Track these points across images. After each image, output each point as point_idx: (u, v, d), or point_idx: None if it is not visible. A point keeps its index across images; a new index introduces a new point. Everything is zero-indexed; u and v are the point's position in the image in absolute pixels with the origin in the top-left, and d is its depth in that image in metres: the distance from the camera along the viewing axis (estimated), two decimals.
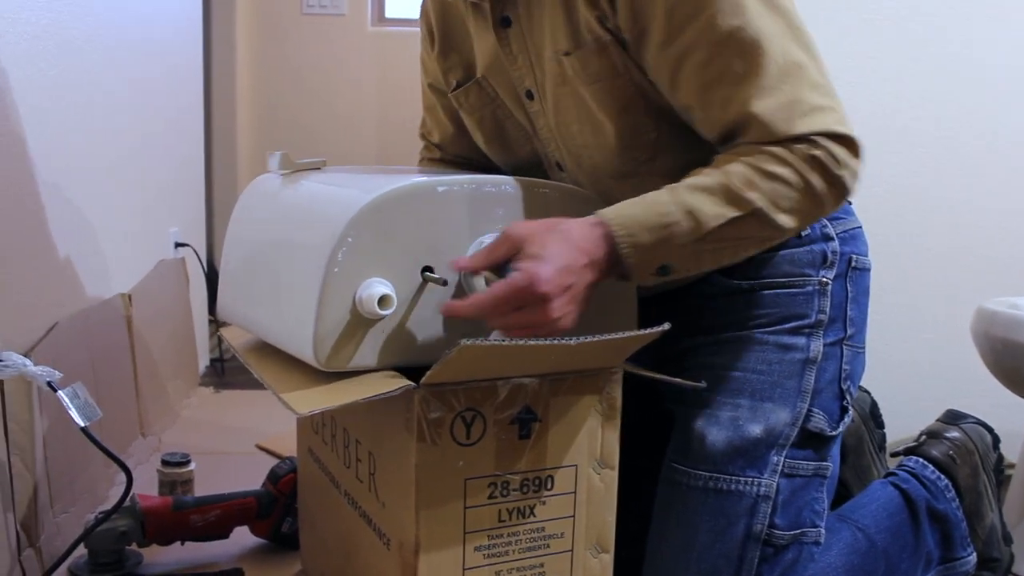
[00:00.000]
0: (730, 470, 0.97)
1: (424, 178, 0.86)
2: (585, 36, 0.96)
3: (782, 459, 0.99)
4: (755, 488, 0.97)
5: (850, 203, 1.09)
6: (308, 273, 0.84)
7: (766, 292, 1.03)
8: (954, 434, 1.26)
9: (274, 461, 1.67)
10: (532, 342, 0.75)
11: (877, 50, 1.68)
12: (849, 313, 1.05)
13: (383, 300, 0.81)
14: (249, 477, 1.39)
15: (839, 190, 0.91)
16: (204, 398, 2.11)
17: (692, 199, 0.88)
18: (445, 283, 0.83)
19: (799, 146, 0.88)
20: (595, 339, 0.77)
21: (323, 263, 0.82)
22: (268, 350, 0.98)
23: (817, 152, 0.88)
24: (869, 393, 1.39)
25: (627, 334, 0.81)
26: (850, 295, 1.05)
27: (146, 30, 1.90)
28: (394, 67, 3.13)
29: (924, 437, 1.29)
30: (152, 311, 1.83)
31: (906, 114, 1.69)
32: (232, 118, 2.82)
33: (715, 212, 0.88)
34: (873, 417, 1.39)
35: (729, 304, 1.04)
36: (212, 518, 1.26)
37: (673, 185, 0.90)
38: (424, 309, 0.85)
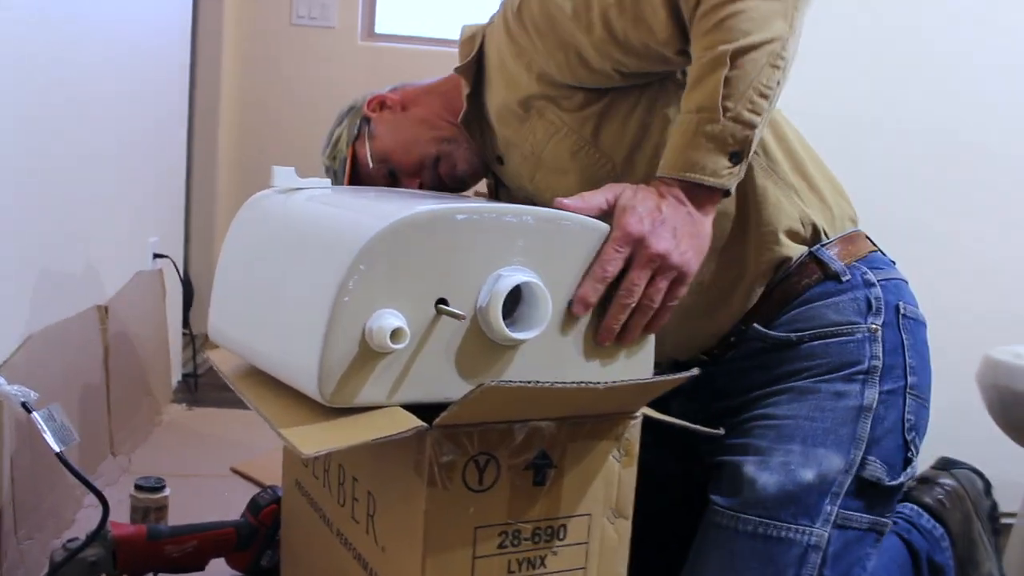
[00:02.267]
0: (782, 516, 0.94)
1: (442, 205, 0.81)
2: (524, 111, 1.04)
3: (835, 509, 0.96)
4: (806, 537, 0.94)
5: (892, 261, 1.08)
6: (315, 302, 0.78)
7: (815, 343, 1.02)
8: (946, 480, 1.24)
9: (249, 486, 1.61)
10: (560, 385, 0.70)
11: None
12: (909, 361, 1.03)
13: (396, 333, 0.77)
14: (223, 502, 1.33)
15: None
16: (176, 415, 2.04)
17: (691, 100, 0.91)
18: (462, 317, 0.79)
19: None
20: (624, 383, 0.73)
21: (332, 292, 0.77)
22: (261, 377, 0.93)
23: None
24: (981, 474, 1.33)
25: (658, 378, 0.77)
26: (906, 342, 1.03)
27: (132, 37, 1.84)
28: (383, 82, 3.08)
29: (915, 483, 1.26)
30: (127, 324, 1.76)
31: (911, 155, 1.68)
32: (214, 128, 2.76)
33: (711, 88, 0.89)
34: (987, 495, 1.33)
35: (777, 359, 1.03)
36: (189, 549, 1.19)
37: (680, 108, 0.94)
38: (437, 343, 0.80)
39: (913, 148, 1.76)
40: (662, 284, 0.87)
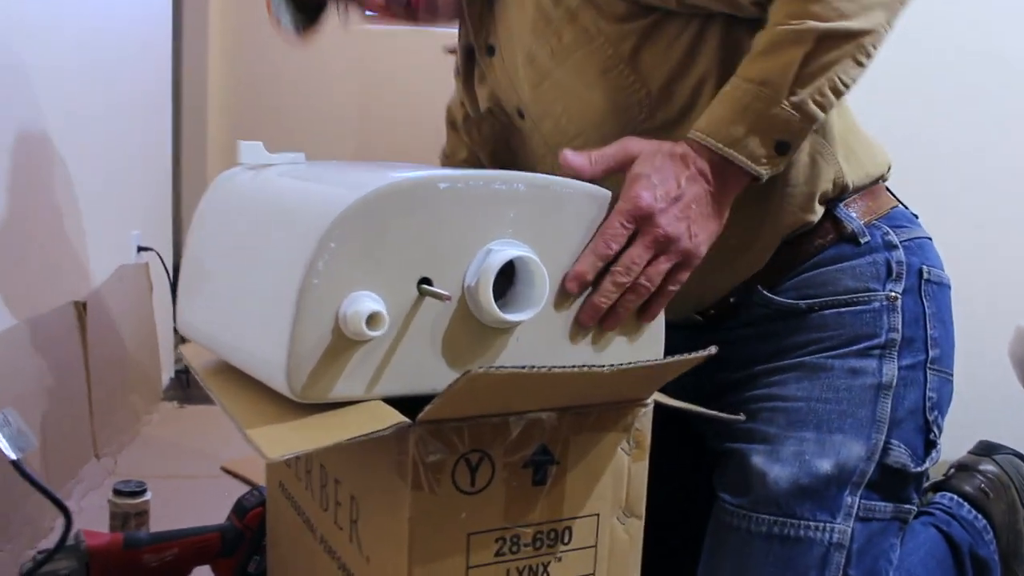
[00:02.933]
0: (798, 513, 0.85)
1: (423, 173, 0.72)
2: (553, 5, 0.89)
3: (856, 500, 0.87)
4: (827, 535, 0.85)
5: (915, 215, 0.98)
6: (282, 285, 0.70)
7: (827, 312, 0.91)
8: (987, 467, 1.15)
9: (242, 487, 1.53)
10: (557, 370, 0.61)
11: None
12: (930, 332, 0.92)
13: (372, 318, 0.68)
14: (215, 505, 1.25)
15: None
16: (167, 414, 1.96)
17: (755, 68, 0.80)
18: (447, 298, 0.70)
19: None
20: (633, 366, 0.64)
21: (300, 273, 0.68)
22: (234, 373, 0.84)
23: None
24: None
25: (668, 360, 0.68)
26: (928, 311, 0.93)
27: (111, 20, 1.75)
28: (377, 63, 2.99)
29: (953, 471, 1.17)
30: (110, 320, 1.68)
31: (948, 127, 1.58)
32: (203, 114, 2.67)
33: (782, 63, 0.78)
34: None
35: (782, 328, 0.92)
36: (169, 557, 1.11)
37: (737, 72, 0.82)
38: (421, 329, 0.72)
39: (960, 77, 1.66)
40: (664, 266, 0.77)
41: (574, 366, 0.62)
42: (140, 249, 1.94)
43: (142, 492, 1.25)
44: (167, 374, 2.16)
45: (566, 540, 0.73)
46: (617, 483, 0.75)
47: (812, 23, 0.79)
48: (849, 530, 0.86)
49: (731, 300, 0.95)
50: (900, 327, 0.91)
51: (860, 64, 0.82)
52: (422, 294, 0.71)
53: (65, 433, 1.42)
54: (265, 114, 2.90)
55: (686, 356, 0.68)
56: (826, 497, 0.85)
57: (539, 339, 0.76)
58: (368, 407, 0.70)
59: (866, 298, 0.91)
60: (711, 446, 0.96)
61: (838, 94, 0.82)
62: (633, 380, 0.70)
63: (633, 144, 0.80)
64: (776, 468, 0.86)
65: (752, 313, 0.94)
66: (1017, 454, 1.18)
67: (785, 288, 0.92)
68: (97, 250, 1.70)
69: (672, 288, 0.79)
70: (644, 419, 0.75)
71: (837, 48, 0.80)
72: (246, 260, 0.79)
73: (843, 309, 0.91)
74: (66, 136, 1.51)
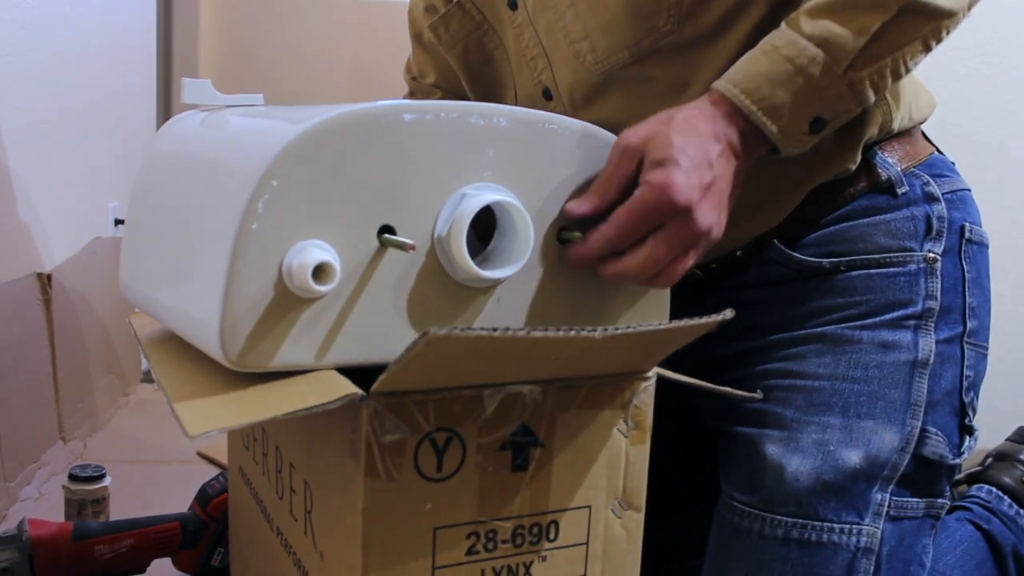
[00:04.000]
0: (821, 514, 0.73)
1: (385, 103, 0.61)
2: None
3: (887, 497, 0.75)
4: (854, 538, 0.73)
5: (953, 163, 0.86)
6: (217, 233, 0.59)
7: (855, 274, 0.78)
8: None
9: (216, 472, 1.43)
10: (538, 333, 0.50)
11: None
12: (969, 301, 0.80)
13: (321, 270, 0.57)
14: (187, 493, 1.16)
15: None
16: (145, 396, 1.85)
17: (819, 26, 0.67)
18: (412, 248, 0.59)
19: None
20: (630, 330, 0.53)
21: (236, 218, 0.57)
22: (179, 342, 0.74)
23: None
24: None
25: (673, 324, 0.57)
26: (968, 276, 0.81)
27: None
28: (374, 36, 2.89)
29: (991, 460, 1.06)
30: (80, 295, 1.57)
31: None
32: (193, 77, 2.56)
33: (854, 29, 0.66)
34: None
35: (803, 291, 0.80)
36: (123, 548, 1.01)
37: (789, 17, 0.69)
38: (382, 286, 0.61)
39: None
40: (690, 262, 0.66)
41: (559, 329, 0.50)
42: (118, 222, 1.84)
43: (100, 477, 1.15)
44: None
45: (552, 536, 0.62)
46: (612, 470, 0.64)
47: None
48: (879, 532, 0.74)
49: (737, 254, 0.82)
50: (939, 294, 0.79)
51: (928, 49, 0.71)
52: (383, 244, 0.60)
53: (26, 413, 1.32)
54: (257, 82, 2.80)
55: (696, 321, 0.57)
56: (853, 494, 0.74)
57: (524, 300, 0.65)
58: (316, 377, 0.59)
59: (901, 259, 0.79)
60: (710, 424, 0.85)
61: (896, 78, 0.70)
62: (631, 348, 0.58)
63: (632, 135, 0.66)
64: (795, 460, 0.74)
65: (765, 271, 0.82)
66: None
67: (805, 243, 0.80)
68: (69, 221, 1.60)
69: (679, 272, 0.67)
70: (644, 395, 0.64)
71: (916, 26, 0.68)
72: (185, 209, 0.68)
73: (874, 271, 0.79)
74: (40, 100, 1.41)
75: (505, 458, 0.60)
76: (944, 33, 0.71)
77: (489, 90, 0.91)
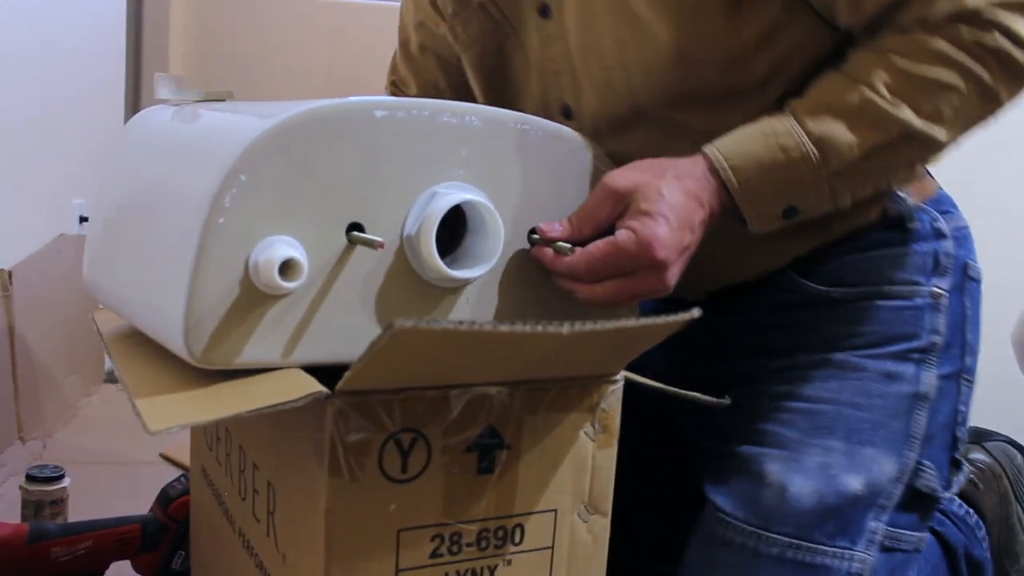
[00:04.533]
0: (817, 536, 0.72)
1: (357, 99, 0.61)
2: None
3: (881, 526, 0.74)
4: (846, 563, 0.73)
5: (953, 199, 0.87)
6: (183, 227, 0.58)
7: (862, 304, 0.79)
8: (978, 456, 1.04)
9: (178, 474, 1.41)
10: (504, 328, 0.50)
11: None
12: (968, 337, 0.81)
13: (287, 267, 0.56)
14: (150, 494, 1.14)
15: (1018, 80, 0.69)
16: (109, 396, 1.82)
17: (821, 125, 0.67)
18: (381, 246, 0.58)
19: (965, 29, 0.66)
20: (595, 327, 0.52)
21: (203, 212, 0.56)
22: (143, 339, 0.72)
23: (989, 37, 0.67)
24: (1020, 446, 1.11)
25: (641, 322, 0.56)
26: (968, 313, 0.81)
27: None
28: (346, 41, 2.88)
29: None
30: (42, 293, 1.55)
31: None
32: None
33: (852, 140, 0.67)
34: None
35: (812, 318, 0.80)
36: (81, 551, 0.99)
37: (795, 103, 0.69)
38: (349, 284, 0.60)
39: None
40: (640, 300, 0.69)
41: (526, 324, 0.50)
42: (83, 219, 1.81)
43: (59, 478, 1.12)
44: None
45: (517, 540, 0.62)
46: (579, 473, 0.63)
47: (907, 113, 0.68)
48: (870, 559, 0.74)
49: (753, 280, 0.83)
50: (943, 330, 0.80)
51: (911, 172, 0.73)
52: (352, 242, 0.60)
53: None
54: (229, 81, 2.78)
55: (662, 319, 0.56)
56: (850, 520, 0.74)
57: (493, 300, 0.65)
58: (281, 375, 0.58)
59: (908, 292, 0.79)
60: (693, 440, 0.84)
61: (875, 191, 0.72)
62: (599, 347, 0.58)
63: (620, 179, 0.66)
64: (798, 481, 0.73)
65: (773, 298, 0.82)
66: (1010, 441, 1.07)
67: (816, 272, 0.80)
68: (32, 217, 1.57)
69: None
70: (612, 398, 0.63)
71: (910, 152, 0.70)
72: (152, 202, 0.67)
73: (881, 302, 0.79)
74: (4, 95, 1.38)
75: (471, 460, 0.59)
76: (932, 159, 0.72)
77: (504, 94, 0.88)
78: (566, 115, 0.82)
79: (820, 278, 0.80)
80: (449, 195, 0.61)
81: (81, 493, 1.18)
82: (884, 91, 0.68)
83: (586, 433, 0.63)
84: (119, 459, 1.49)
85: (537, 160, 0.66)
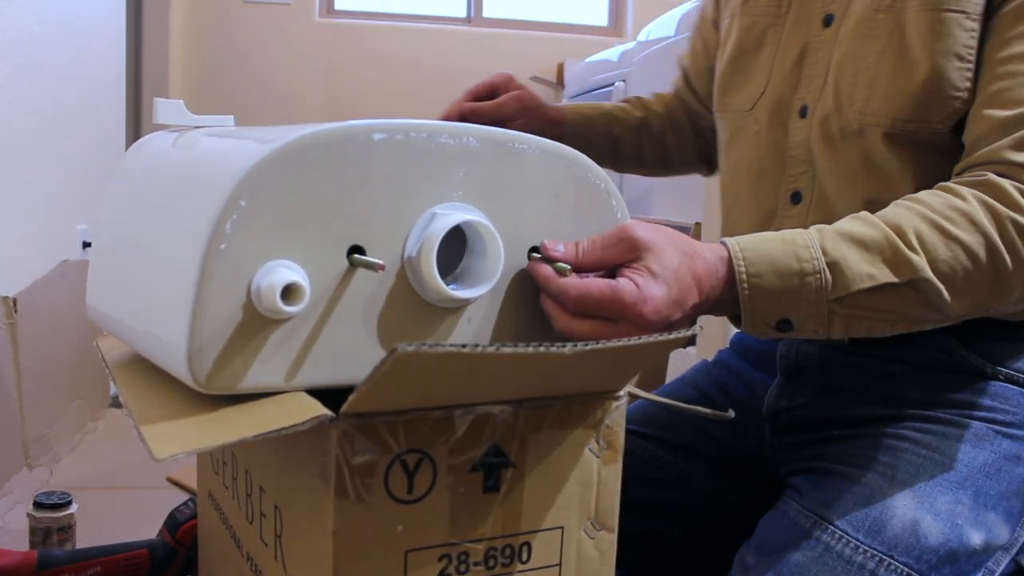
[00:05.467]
0: (932, 575, 0.72)
1: (355, 122, 0.61)
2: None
3: None
4: None
5: None
6: (184, 254, 0.58)
7: (1010, 387, 0.80)
8: None
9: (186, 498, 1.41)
10: (507, 350, 0.50)
11: None
12: None
13: (289, 291, 0.57)
14: (156, 519, 1.14)
15: None
16: (114, 421, 1.83)
17: (840, 249, 0.68)
18: (381, 268, 0.59)
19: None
20: (597, 347, 0.53)
21: (204, 238, 0.56)
22: (147, 365, 0.73)
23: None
24: None
25: (642, 340, 0.57)
26: None
27: (63, 4, 1.63)
28: (344, 59, 2.89)
29: None
30: (47, 319, 1.56)
31: None
32: None
33: (863, 272, 0.68)
34: None
35: (955, 383, 0.81)
36: None
37: (825, 227, 0.71)
38: (352, 306, 0.60)
39: None
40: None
41: (528, 345, 0.50)
42: (87, 244, 1.82)
43: (66, 504, 1.13)
44: None
45: (524, 558, 0.62)
46: (585, 490, 0.63)
47: (918, 263, 0.69)
48: None
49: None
50: None
51: (900, 327, 0.72)
52: (353, 265, 0.60)
53: None
54: (228, 104, 2.79)
55: (663, 337, 0.57)
56: (964, 571, 0.74)
57: (495, 320, 0.65)
58: (286, 399, 0.58)
59: None
60: (797, 467, 0.85)
61: (867, 335, 0.72)
62: (602, 365, 0.58)
63: (642, 231, 0.67)
64: (928, 519, 0.74)
65: (927, 355, 0.82)
66: None
67: (974, 343, 0.81)
68: (36, 244, 1.58)
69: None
70: (616, 414, 0.64)
71: (913, 303, 0.70)
72: (153, 229, 0.68)
73: (1020, 389, 0.81)
74: (7, 121, 1.39)
75: (476, 479, 0.59)
76: (927, 324, 0.73)
77: (734, 79, 0.94)
78: (801, 114, 0.86)
79: (976, 348, 0.81)
80: (448, 216, 0.61)
81: (89, 518, 1.19)
82: (905, 235, 0.69)
83: (591, 450, 0.63)
84: (126, 484, 1.49)
85: (535, 178, 0.66)
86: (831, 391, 0.86)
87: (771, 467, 0.90)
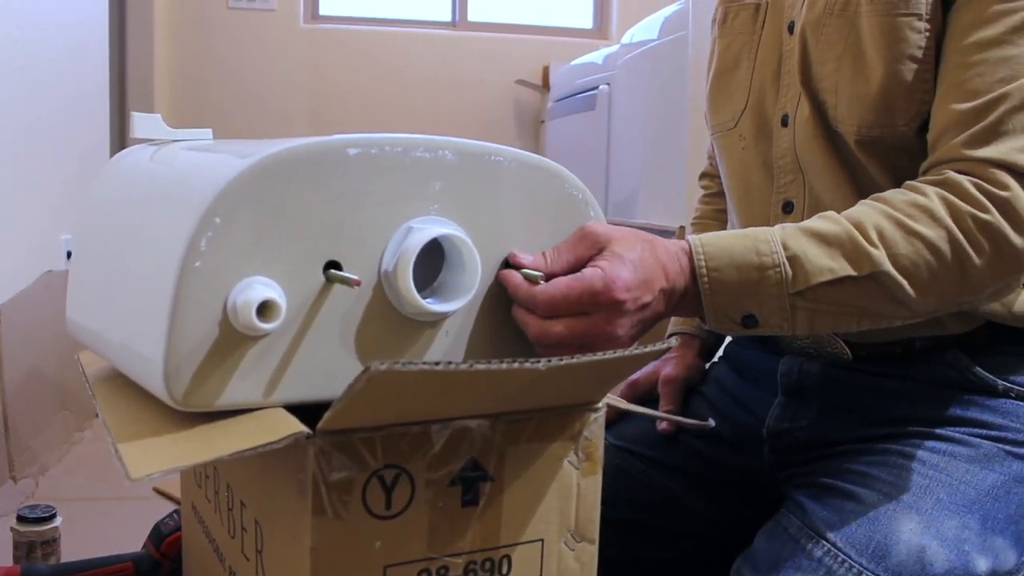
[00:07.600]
0: None
1: (330, 137, 0.61)
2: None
3: None
4: None
5: None
6: (160, 271, 0.58)
7: (1020, 403, 0.79)
8: None
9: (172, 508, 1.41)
10: (480, 367, 0.50)
11: None
12: None
13: (265, 308, 0.57)
14: (143, 530, 1.14)
15: (1005, 265, 0.70)
16: (100, 431, 1.82)
17: (800, 243, 0.69)
18: (357, 283, 0.59)
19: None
20: (572, 361, 0.53)
21: (179, 255, 0.56)
22: (125, 380, 0.73)
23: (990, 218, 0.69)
24: None
25: (617, 354, 0.57)
26: None
27: (46, 13, 1.62)
28: (328, 64, 2.88)
29: None
30: (31, 330, 1.55)
31: None
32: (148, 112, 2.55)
33: (823, 265, 0.68)
34: None
35: (962, 401, 0.80)
36: None
37: (788, 224, 0.71)
38: (329, 322, 0.60)
39: None
40: (585, 345, 0.66)
41: (503, 361, 0.51)
42: (70, 255, 1.81)
43: (50, 518, 1.12)
44: None
45: (504, 571, 0.62)
46: (564, 502, 0.64)
47: (878, 256, 0.69)
48: None
49: (916, 343, 0.82)
50: None
51: (866, 323, 0.72)
52: (329, 280, 0.60)
53: None
54: (214, 110, 2.79)
55: (640, 350, 0.57)
56: None
57: (473, 333, 0.65)
58: (263, 415, 0.58)
59: None
60: (780, 485, 0.85)
61: (831, 330, 0.73)
62: (578, 378, 0.59)
63: (600, 228, 0.68)
64: (935, 545, 0.72)
65: (934, 371, 0.81)
66: None
67: (985, 358, 0.80)
68: (20, 254, 1.57)
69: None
70: (595, 426, 0.64)
71: (874, 296, 0.70)
72: (130, 245, 0.68)
73: None
74: None
75: (455, 493, 0.59)
76: (896, 320, 0.72)
77: (719, 93, 0.94)
78: (783, 123, 0.87)
79: (988, 363, 0.80)
80: (424, 230, 0.61)
81: (74, 530, 1.18)
82: (865, 230, 0.70)
83: (570, 462, 0.63)
84: (112, 494, 1.49)
85: (512, 191, 0.66)
86: (834, 411, 0.85)
87: (770, 487, 0.89)
